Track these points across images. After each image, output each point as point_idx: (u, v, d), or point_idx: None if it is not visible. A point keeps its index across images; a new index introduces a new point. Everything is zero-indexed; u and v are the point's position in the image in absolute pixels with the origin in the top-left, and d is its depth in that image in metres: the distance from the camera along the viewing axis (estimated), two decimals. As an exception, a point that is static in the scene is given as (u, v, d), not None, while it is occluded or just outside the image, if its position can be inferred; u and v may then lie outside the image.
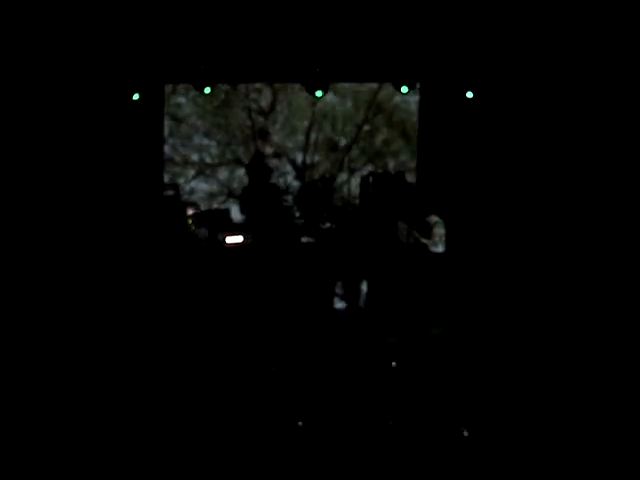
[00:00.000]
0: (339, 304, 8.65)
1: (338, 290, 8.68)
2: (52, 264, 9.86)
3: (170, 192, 12.72)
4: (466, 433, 6.98)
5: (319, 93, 12.71)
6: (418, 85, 13.58)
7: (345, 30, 11.59)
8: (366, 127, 14.28)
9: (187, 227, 11.72)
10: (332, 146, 13.87)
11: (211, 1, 10.62)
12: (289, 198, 13.44)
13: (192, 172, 13.50)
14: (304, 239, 12.08)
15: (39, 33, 9.72)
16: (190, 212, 12.16)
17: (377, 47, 12.06)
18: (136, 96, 11.34)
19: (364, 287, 8.79)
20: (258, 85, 13.60)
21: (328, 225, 12.46)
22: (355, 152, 14.10)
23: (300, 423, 7.23)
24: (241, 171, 13.79)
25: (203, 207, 12.91)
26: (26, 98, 9.80)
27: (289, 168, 14.01)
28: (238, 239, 11.46)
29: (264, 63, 12.15)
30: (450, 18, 11.46)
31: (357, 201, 13.78)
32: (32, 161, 9.90)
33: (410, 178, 13.81)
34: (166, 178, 13.12)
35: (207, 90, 12.32)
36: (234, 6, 10.74)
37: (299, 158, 14.12)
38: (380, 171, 13.57)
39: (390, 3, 11.21)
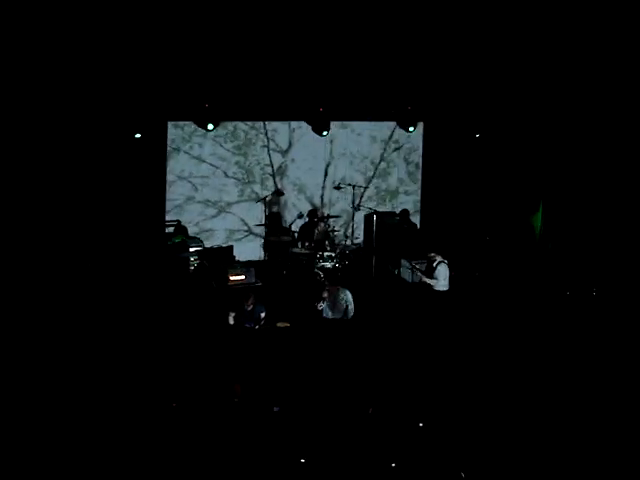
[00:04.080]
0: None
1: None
2: (55, 302, 10.25)
3: (172, 229, 12.94)
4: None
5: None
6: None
7: (350, 69, 11.76)
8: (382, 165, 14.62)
9: (189, 263, 11.98)
10: (343, 184, 14.06)
11: (215, 40, 10.95)
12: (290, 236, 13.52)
13: (212, 210, 13.77)
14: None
15: (45, 70, 10.14)
16: (193, 249, 12.32)
17: (382, 86, 12.21)
18: (137, 135, 11.70)
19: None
20: (275, 124, 13.93)
21: (330, 264, 12.49)
22: (370, 190, 14.30)
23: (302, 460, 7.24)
24: (259, 209, 14.08)
25: (207, 244, 13.05)
26: (31, 138, 10.25)
27: (306, 205, 14.27)
28: (240, 277, 11.68)
29: (268, 101, 12.42)
30: (455, 58, 11.54)
31: (361, 239, 13.96)
32: (35, 198, 10.33)
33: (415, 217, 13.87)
34: (185, 216, 13.41)
35: (210, 127, 12.62)
36: (237, 44, 11.04)
37: (317, 195, 14.42)
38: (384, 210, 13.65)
39: (395, 43, 11.37)
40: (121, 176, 11.65)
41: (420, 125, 14.02)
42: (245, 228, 14.07)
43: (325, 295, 9.88)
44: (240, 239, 13.92)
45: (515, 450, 7.38)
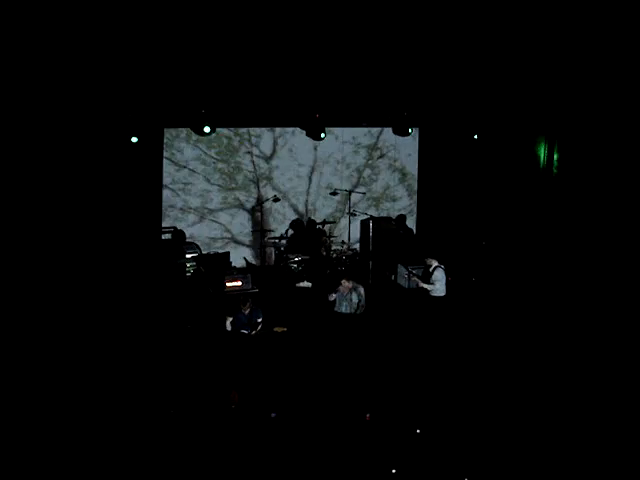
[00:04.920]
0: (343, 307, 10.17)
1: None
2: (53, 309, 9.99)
3: (168, 235, 12.77)
4: None
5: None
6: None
7: (346, 75, 11.73)
8: (368, 171, 14.63)
9: (185, 269, 11.78)
10: (332, 191, 14.08)
11: (212, 45, 10.79)
12: (284, 242, 13.42)
13: (194, 217, 13.53)
14: (302, 284, 12.17)
15: (41, 72, 9.87)
16: (189, 255, 12.20)
17: (377, 92, 12.22)
18: (134, 139, 11.47)
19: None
20: (259, 130, 13.78)
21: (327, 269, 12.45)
22: (357, 196, 14.31)
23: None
24: (243, 215, 13.91)
25: (203, 250, 12.91)
26: (27, 140, 9.97)
27: (291, 212, 14.20)
28: (237, 283, 11.52)
29: (264, 107, 12.30)
30: (450, 64, 11.62)
31: (357, 245, 13.92)
32: (30, 202, 10.03)
33: (410, 222, 13.92)
34: (167, 223, 13.16)
35: (207, 129, 12.18)
36: (235, 50, 10.90)
37: (301, 202, 14.34)
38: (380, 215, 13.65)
39: (389, 49, 11.39)
40: (118, 182, 11.49)
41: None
42: (228, 235, 13.84)
43: (340, 288, 10.17)
44: (221, 246, 13.70)
45: (512, 455, 7.35)
